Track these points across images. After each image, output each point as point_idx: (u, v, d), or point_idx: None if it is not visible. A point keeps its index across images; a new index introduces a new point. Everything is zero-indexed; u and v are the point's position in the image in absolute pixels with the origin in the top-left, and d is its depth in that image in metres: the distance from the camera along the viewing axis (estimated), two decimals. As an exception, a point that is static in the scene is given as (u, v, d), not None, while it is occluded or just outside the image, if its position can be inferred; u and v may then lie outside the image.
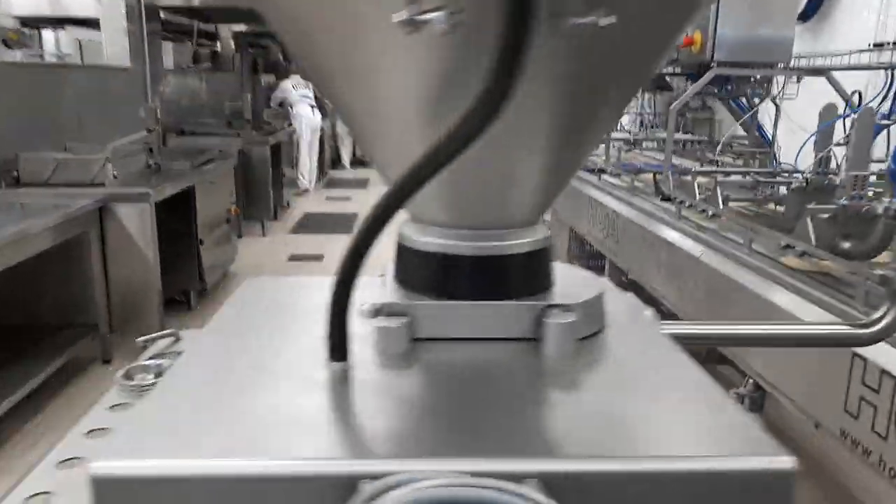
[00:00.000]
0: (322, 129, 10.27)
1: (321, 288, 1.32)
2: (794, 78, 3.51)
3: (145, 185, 4.10)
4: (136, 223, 3.92)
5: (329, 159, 11.72)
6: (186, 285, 4.88)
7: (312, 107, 9.72)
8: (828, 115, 2.87)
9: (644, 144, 5.39)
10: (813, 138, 3.05)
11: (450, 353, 0.93)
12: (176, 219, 4.54)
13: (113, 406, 1.02)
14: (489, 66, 0.73)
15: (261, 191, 7.08)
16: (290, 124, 9.15)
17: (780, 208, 3.15)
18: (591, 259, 4.41)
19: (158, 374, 1.08)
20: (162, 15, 6.62)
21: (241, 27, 9.11)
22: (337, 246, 7.03)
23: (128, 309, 4.04)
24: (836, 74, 3.29)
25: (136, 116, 5.62)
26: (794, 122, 4.08)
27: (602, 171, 4.00)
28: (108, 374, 3.92)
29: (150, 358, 1.15)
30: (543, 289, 1.01)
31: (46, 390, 3.50)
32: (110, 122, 5.30)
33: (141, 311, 4.07)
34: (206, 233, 4.94)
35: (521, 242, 0.99)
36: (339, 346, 0.85)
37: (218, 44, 8.89)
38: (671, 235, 2.92)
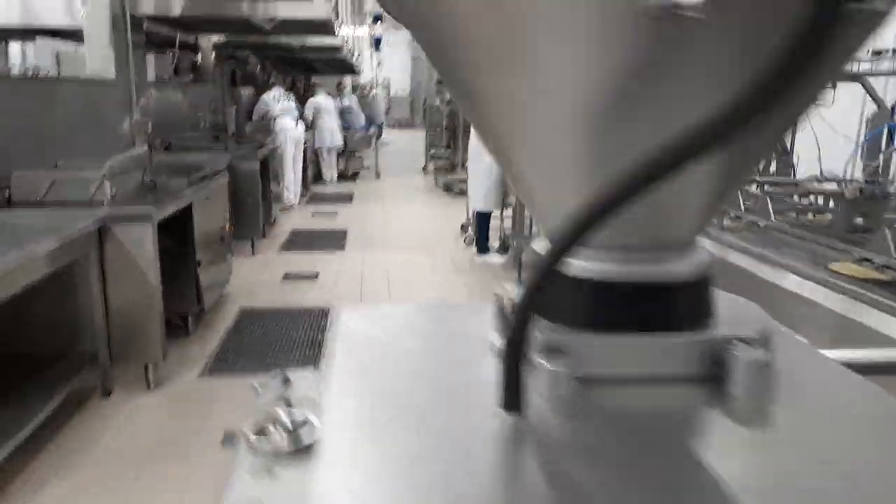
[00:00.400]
0: (305, 143, 10.05)
1: (425, 317, 1.21)
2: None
3: (145, 204, 3.87)
4: (138, 244, 3.69)
5: (311, 174, 11.49)
6: (184, 308, 4.63)
7: (295, 119, 9.51)
8: (877, 123, 2.78)
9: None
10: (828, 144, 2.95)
11: (628, 397, 0.80)
12: (170, 238, 4.31)
13: (256, 474, 0.85)
14: (780, 52, 0.61)
15: (250, 207, 6.85)
16: (273, 138, 8.91)
17: (822, 217, 3.06)
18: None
19: (291, 430, 0.90)
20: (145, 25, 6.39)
21: (220, 38, 8.89)
22: (331, 264, 6.84)
23: (128, 337, 3.79)
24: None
25: (123, 131, 5.39)
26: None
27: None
28: (109, 409, 3.67)
29: (270, 407, 0.97)
30: (710, 318, 0.89)
31: (45, 427, 3.24)
32: (97, 138, 5.05)
33: (142, 339, 3.82)
34: (203, 253, 4.71)
35: (690, 265, 0.86)
36: (515, 398, 0.72)
37: (199, 55, 8.63)
38: (714, 249, 2.80)
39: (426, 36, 0.86)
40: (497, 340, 0.96)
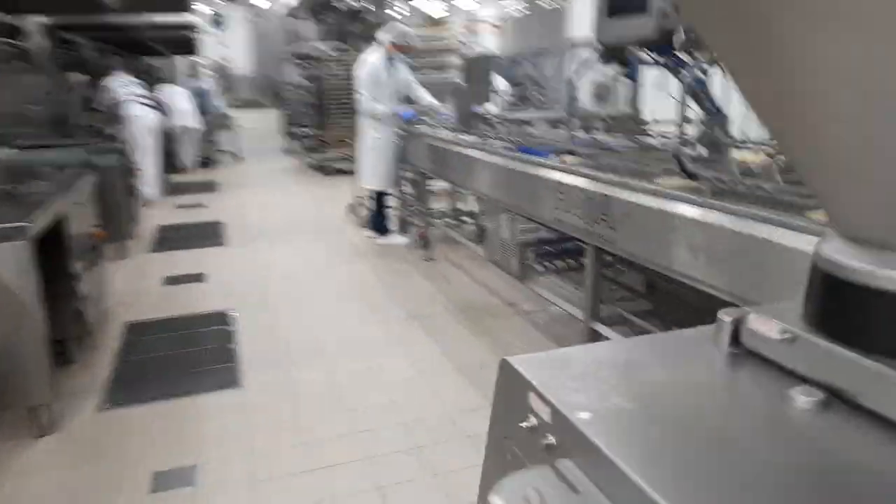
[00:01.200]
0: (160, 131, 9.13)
1: (638, 358, 0.96)
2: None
3: (6, 217, 3.17)
4: (11, 266, 3.03)
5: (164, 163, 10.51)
6: (63, 333, 3.94)
7: (151, 107, 8.59)
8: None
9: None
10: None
11: None
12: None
13: None
14: None
15: (115, 207, 6.04)
16: (123, 128, 7.99)
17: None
18: (548, 244, 4.10)
19: None
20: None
21: (49, 19, 7.81)
22: (215, 262, 6.21)
23: (4, 378, 3.13)
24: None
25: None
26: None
27: (571, 152, 3.65)
28: (-5, 467, 3.02)
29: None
30: None
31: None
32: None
33: (24, 378, 3.17)
34: (78, 265, 4.03)
35: None
36: None
37: (25, 39, 7.52)
38: (707, 216, 2.62)
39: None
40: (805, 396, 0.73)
